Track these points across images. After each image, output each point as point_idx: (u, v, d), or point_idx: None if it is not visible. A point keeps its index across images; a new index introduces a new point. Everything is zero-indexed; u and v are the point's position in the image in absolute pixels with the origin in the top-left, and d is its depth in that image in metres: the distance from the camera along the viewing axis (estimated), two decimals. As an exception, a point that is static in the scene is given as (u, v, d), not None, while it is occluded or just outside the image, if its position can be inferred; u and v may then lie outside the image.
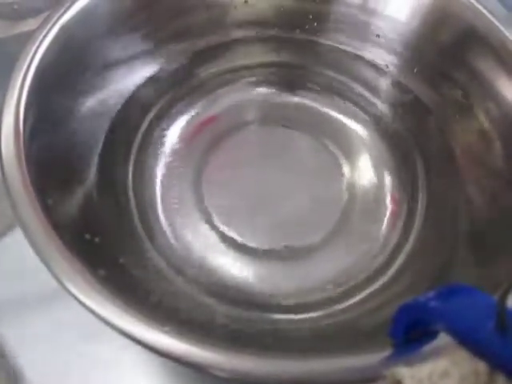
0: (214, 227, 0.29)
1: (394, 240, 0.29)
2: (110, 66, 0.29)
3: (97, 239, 0.24)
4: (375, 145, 0.32)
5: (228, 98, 0.33)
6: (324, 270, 0.28)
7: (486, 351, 0.13)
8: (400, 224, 0.29)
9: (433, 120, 0.31)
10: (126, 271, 0.25)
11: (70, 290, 0.19)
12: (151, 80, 0.31)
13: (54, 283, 0.19)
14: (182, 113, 0.32)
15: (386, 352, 0.18)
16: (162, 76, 0.32)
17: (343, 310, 0.26)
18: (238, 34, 0.33)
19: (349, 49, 0.34)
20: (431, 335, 0.18)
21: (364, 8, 0.33)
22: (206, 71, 0.33)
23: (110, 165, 0.28)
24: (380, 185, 0.31)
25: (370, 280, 0.27)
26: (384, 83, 0.33)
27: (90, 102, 0.28)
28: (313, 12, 0.34)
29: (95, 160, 0.27)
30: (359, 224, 0.29)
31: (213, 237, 0.28)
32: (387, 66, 0.33)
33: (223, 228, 0.29)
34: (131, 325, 0.18)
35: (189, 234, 0.28)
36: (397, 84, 0.33)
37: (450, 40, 0.30)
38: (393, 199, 0.30)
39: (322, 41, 0.34)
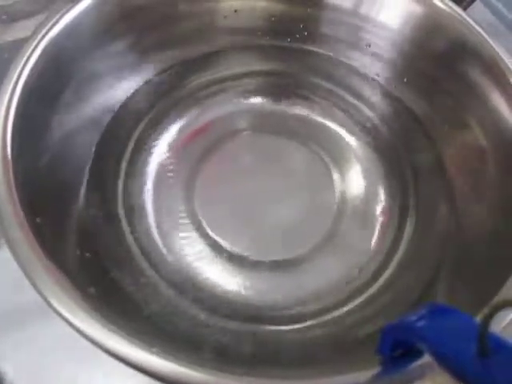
0: (205, 238, 0.29)
1: (382, 252, 0.29)
2: (98, 77, 0.29)
3: (87, 254, 0.24)
4: (366, 154, 0.32)
5: (218, 108, 0.33)
6: (313, 280, 0.28)
7: (467, 376, 0.14)
8: (389, 236, 0.29)
9: (423, 130, 0.31)
10: (117, 286, 0.25)
11: (56, 309, 0.19)
12: (140, 91, 0.31)
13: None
14: (171, 123, 0.32)
15: (373, 370, 0.18)
16: (150, 87, 0.32)
17: (331, 321, 0.26)
18: (228, 43, 0.33)
19: (339, 58, 0.34)
20: (417, 353, 0.18)
21: (356, 14, 0.33)
22: (196, 81, 0.33)
23: (100, 178, 0.28)
24: (370, 196, 0.31)
25: (358, 291, 0.28)
26: (374, 92, 0.33)
27: (79, 116, 0.28)
28: (304, 20, 0.34)
29: (85, 174, 0.28)
30: (349, 235, 0.29)
31: (204, 248, 0.28)
32: (378, 75, 0.33)
33: (215, 239, 0.29)
34: (119, 345, 0.18)
35: (180, 245, 0.28)
36: (387, 94, 0.33)
37: (441, 50, 0.30)
38: (383, 211, 0.30)
39: (313, 49, 0.34)
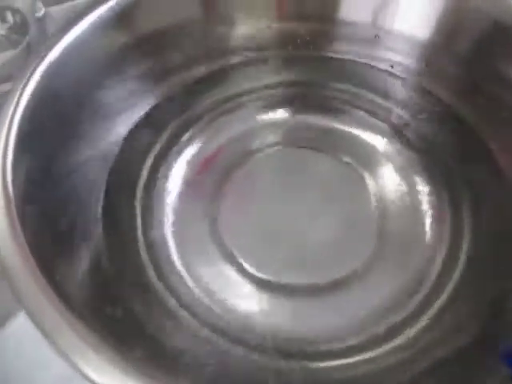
0: (234, 265, 0.26)
1: (437, 268, 0.25)
2: (101, 108, 0.26)
3: (119, 311, 0.20)
4: (399, 153, 0.29)
5: (232, 127, 0.30)
6: (355, 308, 0.25)
7: None
8: (444, 246, 0.26)
9: (456, 120, 0.28)
10: (143, 326, 0.22)
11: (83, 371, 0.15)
12: (147, 119, 0.28)
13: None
14: (184, 149, 0.29)
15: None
16: (158, 113, 0.29)
17: (380, 357, 0.23)
18: (238, 59, 0.31)
19: (356, 58, 0.31)
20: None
21: (373, 25, 0.30)
22: (209, 99, 0.30)
23: (114, 218, 0.25)
24: (414, 201, 0.28)
25: (409, 320, 0.24)
26: (399, 89, 0.31)
27: (84, 151, 0.25)
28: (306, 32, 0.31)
29: (98, 215, 0.24)
30: (395, 251, 0.26)
31: (234, 276, 0.26)
32: (400, 70, 0.31)
33: (244, 266, 0.26)
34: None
35: (207, 275, 0.25)
36: (413, 89, 0.30)
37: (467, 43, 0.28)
38: (433, 215, 0.27)
39: (328, 55, 0.31)
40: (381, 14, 0.29)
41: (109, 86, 0.26)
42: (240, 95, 0.31)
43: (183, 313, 0.23)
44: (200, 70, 0.30)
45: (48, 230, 0.21)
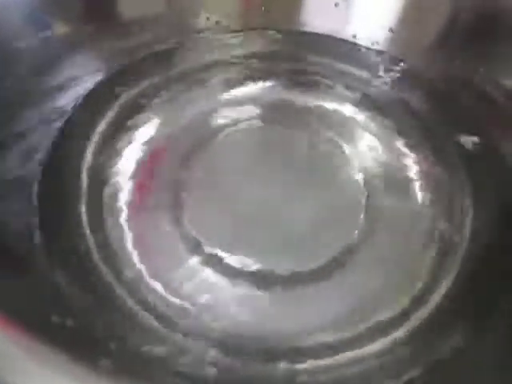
0: (201, 255, 0.23)
1: (434, 251, 0.23)
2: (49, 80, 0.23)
3: (69, 321, 0.17)
4: (382, 127, 0.28)
5: (195, 104, 0.27)
6: (341, 299, 0.22)
7: None
8: (442, 222, 0.24)
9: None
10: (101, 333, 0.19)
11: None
12: (94, 93, 0.25)
13: None
14: (138, 128, 0.26)
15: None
16: (107, 88, 0.26)
17: (369, 356, 0.20)
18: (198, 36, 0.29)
19: (319, 30, 0.30)
20: None
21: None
22: (163, 75, 0.28)
23: (54, 226, 0.22)
24: (403, 174, 0.26)
25: (406, 313, 0.22)
26: (366, 58, 0.30)
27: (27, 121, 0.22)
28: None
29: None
30: (386, 232, 0.24)
31: (203, 268, 0.22)
32: (364, 39, 0.30)
33: (215, 255, 0.23)
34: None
35: (172, 269, 0.22)
36: (382, 56, 0.29)
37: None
38: (425, 186, 0.25)
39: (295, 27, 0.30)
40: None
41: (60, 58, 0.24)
42: (204, 69, 0.28)
43: (143, 313, 0.20)
44: (160, 46, 0.28)
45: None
